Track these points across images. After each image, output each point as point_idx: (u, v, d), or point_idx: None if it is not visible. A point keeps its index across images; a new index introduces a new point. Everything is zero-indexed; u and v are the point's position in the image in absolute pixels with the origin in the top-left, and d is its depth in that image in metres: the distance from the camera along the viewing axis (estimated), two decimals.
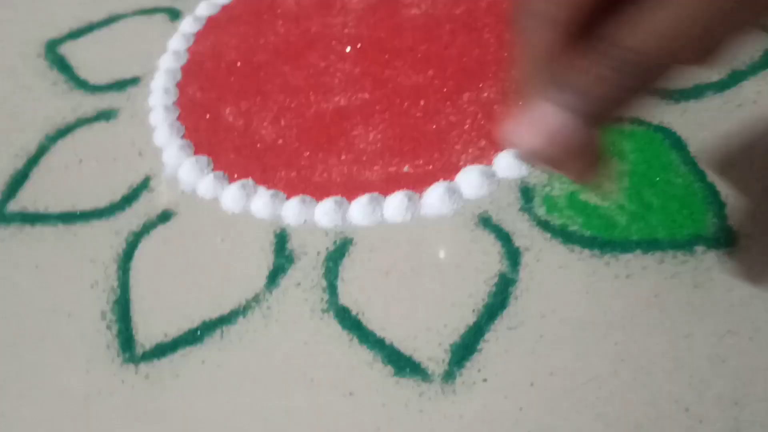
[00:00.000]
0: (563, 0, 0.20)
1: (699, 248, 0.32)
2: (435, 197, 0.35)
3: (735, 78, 0.38)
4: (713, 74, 0.38)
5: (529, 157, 0.22)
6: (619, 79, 0.20)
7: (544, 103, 0.21)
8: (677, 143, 0.35)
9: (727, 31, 0.20)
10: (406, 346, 0.30)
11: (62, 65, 0.47)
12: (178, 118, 0.42)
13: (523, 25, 0.21)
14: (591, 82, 0.20)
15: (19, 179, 0.40)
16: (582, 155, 0.22)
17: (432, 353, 0.30)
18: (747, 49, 0.39)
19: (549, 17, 0.21)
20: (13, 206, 0.39)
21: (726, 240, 0.32)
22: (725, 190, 0.33)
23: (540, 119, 0.21)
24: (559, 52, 0.21)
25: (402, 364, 0.30)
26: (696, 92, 0.38)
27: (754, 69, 0.38)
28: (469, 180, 0.35)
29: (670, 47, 0.19)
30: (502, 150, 0.36)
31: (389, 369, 0.30)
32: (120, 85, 0.45)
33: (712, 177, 0.34)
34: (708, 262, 0.31)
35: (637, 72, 0.20)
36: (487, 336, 0.30)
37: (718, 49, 0.20)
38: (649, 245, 0.32)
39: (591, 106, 0.21)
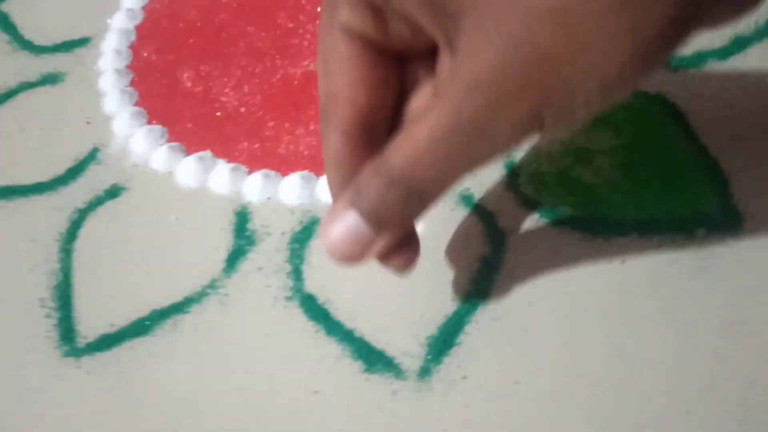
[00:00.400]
0: (346, 112, 0.22)
1: (700, 231, 0.29)
2: None
3: (739, 44, 0.35)
4: (715, 40, 0.35)
5: (332, 257, 0.22)
6: (390, 194, 0.21)
7: (341, 204, 0.22)
8: (676, 115, 0.32)
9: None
10: (377, 339, 0.28)
11: (5, 24, 0.43)
12: (131, 83, 0.38)
13: (321, 128, 0.23)
14: (371, 192, 0.21)
15: None
16: (380, 253, 0.23)
17: (406, 347, 0.27)
18: (752, 13, 0.36)
19: (336, 125, 0.23)
20: None
21: (730, 221, 0.29)
22: (729, 166, 0.30)
23: (337, 219, 0.22)
24: (348, 157, 0.23)
25: (373, 359, 0.27)
26: (697, 60, 0.35)
27: (760, 34, 0.35)
28: None
29: (420, 173, 0.20)
30: None
31: (359, 365, 0.27)
32: (68, 46, 0.41)
33: (715, 151, 0.31)
34: (710, 245, 0.28)
35: (403, 191, 0.21)
36: (467, 328, 0.27)
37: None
38: (646, 227, 0.29)
39: (377, 213, 0.21)
